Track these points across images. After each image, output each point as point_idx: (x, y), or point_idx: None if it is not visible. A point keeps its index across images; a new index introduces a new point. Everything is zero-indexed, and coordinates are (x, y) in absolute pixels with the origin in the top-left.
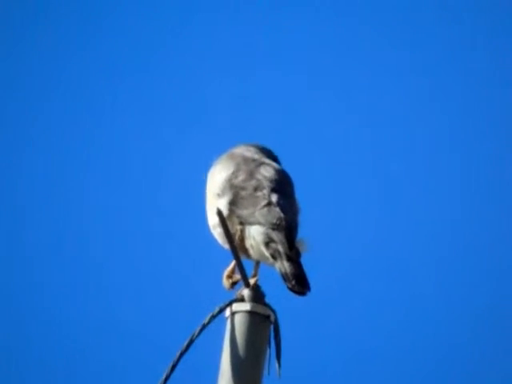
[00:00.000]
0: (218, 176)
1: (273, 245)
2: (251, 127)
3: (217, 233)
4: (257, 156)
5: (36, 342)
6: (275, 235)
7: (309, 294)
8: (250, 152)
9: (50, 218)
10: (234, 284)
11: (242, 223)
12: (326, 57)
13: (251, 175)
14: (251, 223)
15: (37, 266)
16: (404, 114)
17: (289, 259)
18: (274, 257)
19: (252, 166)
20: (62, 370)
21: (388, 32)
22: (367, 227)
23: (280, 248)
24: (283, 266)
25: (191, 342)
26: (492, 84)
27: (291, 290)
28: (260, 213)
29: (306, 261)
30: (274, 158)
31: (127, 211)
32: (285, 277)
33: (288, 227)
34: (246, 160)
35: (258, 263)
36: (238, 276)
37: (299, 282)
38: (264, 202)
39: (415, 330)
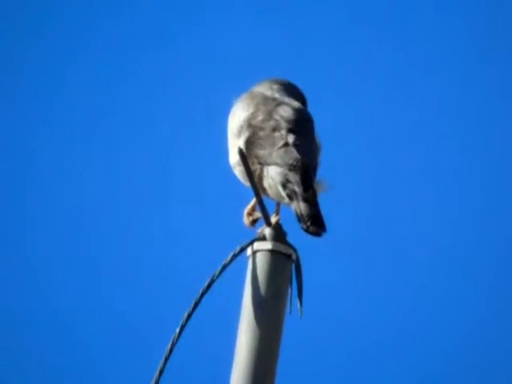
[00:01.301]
0: (237, 116)
1: (289, 185)
2: None
3: (238, 171)
4: (277, 95)
5: (35, 340)
6: (291, 176)
7: (326, 236)
8: (271, 90)
9: (47, 215)
10: (254, 222)
11: (260, 163)
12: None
13: (270, 115)
14: (269, 163)
15: (35, 263)
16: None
17: (305, 200)
18: (290, 197)
19: (271, 106)
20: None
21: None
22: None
23: (296, 189)
24: (299, 206)
25: (212, 281)
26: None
27: (306, 230)
28: (277, 153)
29: (325, 202)
30: (299, 95)
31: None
32: (300, 218)
33: (304, 168)
34: (265, 99)
35: (279, 202)
36: (258, 213)
37: (314, 223)
38: (281, 143)
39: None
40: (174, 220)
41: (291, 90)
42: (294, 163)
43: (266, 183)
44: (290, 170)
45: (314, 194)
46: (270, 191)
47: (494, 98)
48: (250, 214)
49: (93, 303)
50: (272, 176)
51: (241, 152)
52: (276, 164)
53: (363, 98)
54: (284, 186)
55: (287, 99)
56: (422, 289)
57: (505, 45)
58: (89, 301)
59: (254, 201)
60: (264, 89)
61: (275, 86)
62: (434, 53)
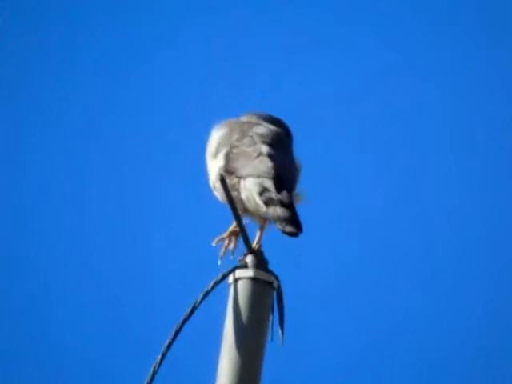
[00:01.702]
0: (214, 139)
1: (265, 193)
2: None
3: (217, 193)
4: (254, 120)
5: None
6: (266, 183)
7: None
8: (248, 118)
9: (47, 215)
10: (226, 249)
11: (237, 177)
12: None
13: (244, 134)
14: (245, 176)
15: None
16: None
17: (282, 205)
18: (266, 204)
19: (246, 127)
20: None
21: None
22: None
23: (272, 195)
24: (275, 211)
25: (194, 308)
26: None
27: (283, 231)
28: (252, 164)
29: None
30: (281, 126)
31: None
32: (277, 220)
33: (278, 175)
34: (241, 124)
35: (261, 229)
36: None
37: (291, 223)
38: (255, 154)
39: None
40: (155, 246)
41: (272, 120)
42: (268, 171)
43: (244, 196)
44: (264, 177)
45: (291, 199)
46: (248, 205)
47: (494, 97)
48: (229, 237)
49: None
50: (248, 187)
51: (221, 177)
52: (251, 175)
53: (356, 98)
54: (261, 194)
55: (264, 123)
56: (406, 313)
57: (505, 45)
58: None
59: (231, 228)
60: (241, 118)
61: (255, 116)
62: (425, 54)
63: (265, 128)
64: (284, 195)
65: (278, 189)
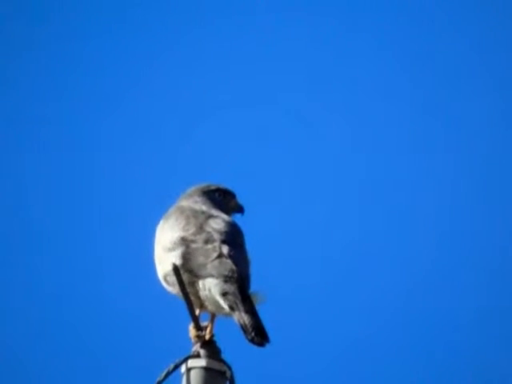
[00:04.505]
0: (168, 230)
1: (229, 296)
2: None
3: (167, 284)
4: (204, 207)
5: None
6: (229, 287)
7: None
8: (197, 204)
9: (46, 215)
10: (199, 337)
11: (194, 276)
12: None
13: (201, 228)
14: (203, 276)
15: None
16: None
17: (247, 311)
18: (231, 308)
19: (201, 219)
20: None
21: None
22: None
23: (236, 299)
24: (241, 317)
25: None
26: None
27: (251, 341)
28: (212, 265)
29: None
30: (219, 201)
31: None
32: (244, 328)
33: (240, 279)
34: (195, 213)
35: (213, 317)
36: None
37: (259, 334)
38: (215, 254)
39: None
40: (110, 334)
41: (212, 199)
42: (230, 274)
43: (203, 295)
44: (225, 281)
45: (252, 305)
46: (207, 303)
47: (494, 97)
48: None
49: None
50: (209, 288)
51: (175, 267)
52: (211, 276)
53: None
54: (223, 296)
55: (214, 211)
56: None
57: (504, 45)
58: None
59: (197, 314)
60: (190, 202)
61: (199, 199)
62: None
63: (220, 221)
64: (248, 301)
65: (241, 293)
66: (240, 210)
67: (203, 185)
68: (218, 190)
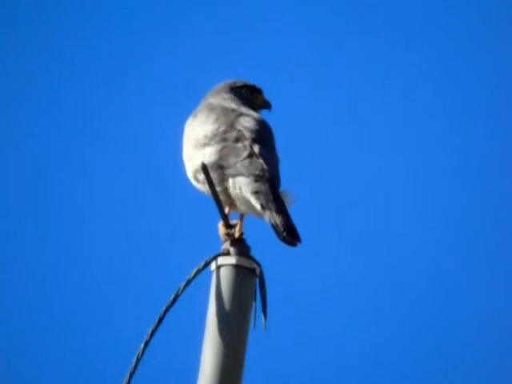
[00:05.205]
0: (197, 127)
1: (260, 195)
2: None
3: (197, 181)
4: (234, 105)
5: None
6: (260, 186)
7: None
8: (226, 101)
9: (45, 215)
10: (228, 234)
11: (224, 174)
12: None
13: (232, 126)
14: (234, 174)
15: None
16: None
17: (278, 210)
18: (263, 207)
19: (232, 117)
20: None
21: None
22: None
23: (268, 198)
24: (273, 216)
25: (177, 296)
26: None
27: (282, 240)
28: (242, 164)
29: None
30: (246, 98)
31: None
32: (276, 228)
33: (271, 178)
34: (225, 110)
35: (242, 216)
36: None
37: (290, 233)
38: (246, 153)
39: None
40: (137, 234)
41: (240, 95)
42: (261, 173)
43: (233, 193)
44: (256, 180)
45: (284, 204)
46: (237, 202)
47: (493, 97)
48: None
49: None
50: (239, 186)
51: (203, 166)
52: (241, 174)
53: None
54: (255, 194)
55: (244, 109)
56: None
57: (503, 46)
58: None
59: (227, 212)
60: (218, 99)
61: (227, 96)
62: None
63: (251, 120)
64: (279, 200)
65: (272, 192)
66: (267, 106)
67: (230, 81)
68: (246, 86)
